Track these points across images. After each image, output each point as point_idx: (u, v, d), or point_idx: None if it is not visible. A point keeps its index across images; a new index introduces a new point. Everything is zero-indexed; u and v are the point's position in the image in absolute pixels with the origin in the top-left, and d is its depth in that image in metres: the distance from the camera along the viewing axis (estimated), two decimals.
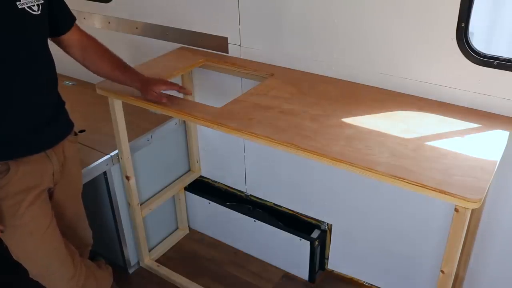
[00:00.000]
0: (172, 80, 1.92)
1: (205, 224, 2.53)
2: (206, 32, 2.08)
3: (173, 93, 1.67)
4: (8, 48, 1.29)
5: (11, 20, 1.28)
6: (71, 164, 1.60)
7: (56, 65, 1.50)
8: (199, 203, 2.45)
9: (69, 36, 1.54)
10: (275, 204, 2.31)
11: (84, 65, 1.63)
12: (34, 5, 1.32)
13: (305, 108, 1.58)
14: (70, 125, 1.58)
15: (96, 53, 1.60)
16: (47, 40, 1.45)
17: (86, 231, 1.79)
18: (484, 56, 1.51)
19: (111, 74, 1.64)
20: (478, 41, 1.54)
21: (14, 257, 1.52)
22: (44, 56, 1.43)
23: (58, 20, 1.48)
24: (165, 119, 2.20)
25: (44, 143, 1.46)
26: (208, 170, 2.48)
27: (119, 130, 1.92)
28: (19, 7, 1.29)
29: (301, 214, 2.23)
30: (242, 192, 2.40)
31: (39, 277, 1.59)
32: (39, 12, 1.34)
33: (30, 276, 1.59)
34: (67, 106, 1.58)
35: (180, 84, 1.66)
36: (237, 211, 2.32)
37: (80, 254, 1.67)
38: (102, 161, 1.95)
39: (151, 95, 1.61)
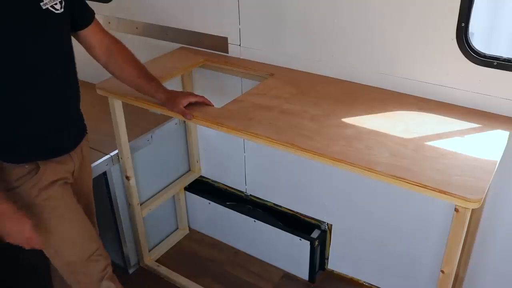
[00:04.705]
0: (172, 80, 1.93)
1: (205, 224, 2.53)
2: (206, 32, 2.08)
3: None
4: (33, 50, 1.29)
5: (36, 21, 1.28)
6: (87, 162, 1.63)
7: None
8: (199, 203, 2.45)
9: (90, 34, 1.51)
10: (275, 204, 2.31)
11: (108, 69, 1.60)
12: (56, 3, 1.31)
13: (305, 108, 1.58)
14: (85, 125, 1.59)
15: (121, 57, 1.57)
16: (70, 37, 1.44)
17: (95, 226, 1.80)
18: (484, 56, 1.51)
19: (136, 81, 1.60)
20: (478, 41, 1.54)
21: (49, 254, 1.52)
22: (68, 55, 1.43)
23: (76, 14, 1.46)
24: (165, 119, 2.20)
25: (69, 144, 1.48)
26: (208, 170, 2.48)
27: (119, 130, 1.92)
28: (43, 7, 1.28)
29: (301, 214, 2.23)
30: (242, 192, 2.40)
31: (76, 265, 1.55)
32: (62, 10, 1.33)
33: (63, 271, 1.57)
34: None
35: (197, 94, 1.66)
36: (237, 211, 2.32)
37: None
38: (102, 161, 1.95)
39: (178, 108, 1.58)
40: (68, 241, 1.52)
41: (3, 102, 1.29)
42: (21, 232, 1.36)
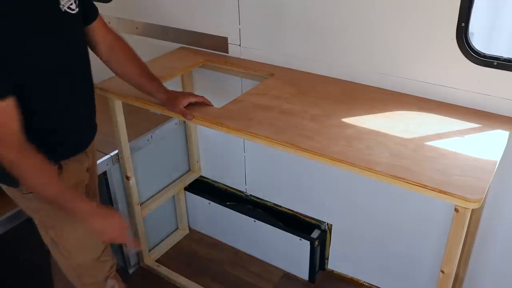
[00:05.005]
0: (172, 80, 1.93)
1: (205, 224, 2.53)
2: (206, 32, 2.08)
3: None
4: (55, 52, 1.28)
5: (56, 24, 1.26)
6: (95, 159, 1.65)
7: None
8: (199, 203, 2.45)
9: (94, 30, 1.49)
10: (275, 204, 2.31)
11: (109, 66, 1.58)
12: (72, 3, 1.30)
13: (305, 108, 1.58)
14: (96, 123, 1.59)
15: (123, 54, 1.55)
16: (84, 36, 1.45)
17: None
18: (484, 56, 1.51)
19: (137, 80, 1.59)
20: (478, 41, 1.54)
21: (60, 257, 1.52)
22: (84, 53, 1.42)
23: (84, 10, 1.43)
24: (165, 119, 2.20)
25: (85, 142, 1.49)
26: (208, 170, 2.48)
27: (119, 130, 1.92)
28: (62, 10, 1.27)
29: (301, 214, 2.23)
30: (242, 192, 2.40)
31: (85, 267, 1.55)
32: (77, 9, 1.32)
33: (69, 274, 1.56)
34: None
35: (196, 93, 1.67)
36: (237, 211, 2.32)
37: None
38: (102, 161, 1.95)
39: (178, 108, 1.57)
40: (81, 244, 1.52)
41: (26, 105, 1.27)
42: (113, 228, 1.36)
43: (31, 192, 1.37)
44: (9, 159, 1.22)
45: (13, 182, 1.33)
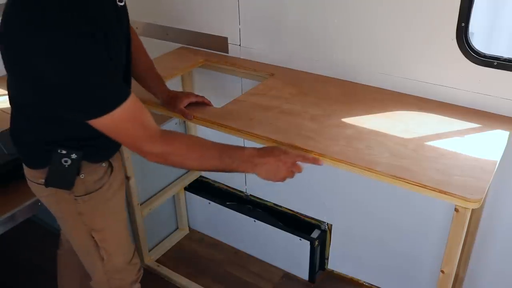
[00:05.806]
0: (172, 80, 1.93)
1: (205, 224, 2.53)
2: (206, 32, 2.08)
3: None
4: (123, 51, 1.25)
5: (119, 22, 1.21)
6: None
7: None
8: (199, 203, 2.45)
9: None
10: (275, 204, 2.31)
11: None
12: None
13: (305, 108, 1.59)
14: None
15: (134, 45, 1.49)
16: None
17: None
18: (484, 56, 1.51)
19: (142, 74, 1.55)
20: (478, 41, 1.54)
21: (103, 255, 1.47)
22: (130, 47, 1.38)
23: None
24: (165, 119, 2.20)
25: None
26: None
27: None
28: (119, 5, 1.22)
29: (301, 214, 2.23)
30: (242, 192, 2.40)
31: (118, 270, 1.53)
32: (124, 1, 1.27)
33: (97, 281, 1.54)
34: None
35: (196, 93, 1.65)
36: (237, 211, 2.33)
37: None
38: None
39: (178, 108, 1.55)
40: (121, 246, 1.52)
41: None
42: (285, 162, 1.25)
43: (86, 194, 1.32)
44: (161, 152, 1.18)
45: (67, 184, 1.28)
